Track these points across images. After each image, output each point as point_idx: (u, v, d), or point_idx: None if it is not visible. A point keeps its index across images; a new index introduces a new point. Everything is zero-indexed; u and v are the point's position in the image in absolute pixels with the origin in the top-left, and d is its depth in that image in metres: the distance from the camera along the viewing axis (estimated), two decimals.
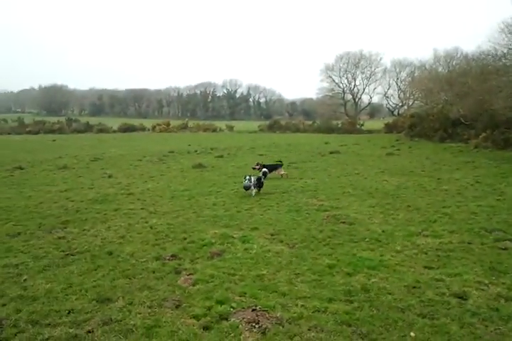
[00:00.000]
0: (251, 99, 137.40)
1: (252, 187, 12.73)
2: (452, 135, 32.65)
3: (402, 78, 71.41)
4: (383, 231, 8.55)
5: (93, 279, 6.18)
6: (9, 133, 54.26)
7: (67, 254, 7.33)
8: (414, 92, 57.13)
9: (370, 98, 77.45)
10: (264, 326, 4.69)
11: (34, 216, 10.18)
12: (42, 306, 5.31)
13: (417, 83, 51.36)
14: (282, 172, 16.18)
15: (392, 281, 6.02)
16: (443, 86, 37.72)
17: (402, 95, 69.93)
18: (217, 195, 12.66)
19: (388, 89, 73.64)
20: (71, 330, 4.67)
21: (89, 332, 4.65)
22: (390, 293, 5.61)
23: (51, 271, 6.54)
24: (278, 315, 4.97)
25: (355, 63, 74.28)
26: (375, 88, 75.00)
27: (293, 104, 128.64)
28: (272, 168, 15.74)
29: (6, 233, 8.71)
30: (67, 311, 5.16)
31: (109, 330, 4.69)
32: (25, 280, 6.19)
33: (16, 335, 4.63)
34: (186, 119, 73.54)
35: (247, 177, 12.81)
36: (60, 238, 8.33)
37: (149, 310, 5.17)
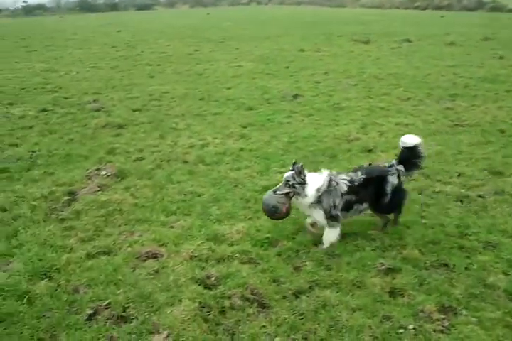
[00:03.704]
0: None
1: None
2: None
3: None
4: None
5: (483, 152, 6.06)
6: (397, 7, 54.97)
7: (456, 124, 7.34)
8: None
9: None
10: None
11: (421, 85, 10.43)
12: (433, 164, 5.59)
13: None
14: None
15: None
16: None
17: None
18: None
19: None
20: (462, 190, 4.80)
21: (479, 196, 4.68)
22: None
23: (440, 136, 6.74)
24: None
25: None
26: None
27: None
28: None
29: (396, 96, 9.36)
30: (457, 173, 5.30)
31: (501, 200, 4.59)
32: None
33: None
34: None
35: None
36: (447, 109, 8.36)
37: None
